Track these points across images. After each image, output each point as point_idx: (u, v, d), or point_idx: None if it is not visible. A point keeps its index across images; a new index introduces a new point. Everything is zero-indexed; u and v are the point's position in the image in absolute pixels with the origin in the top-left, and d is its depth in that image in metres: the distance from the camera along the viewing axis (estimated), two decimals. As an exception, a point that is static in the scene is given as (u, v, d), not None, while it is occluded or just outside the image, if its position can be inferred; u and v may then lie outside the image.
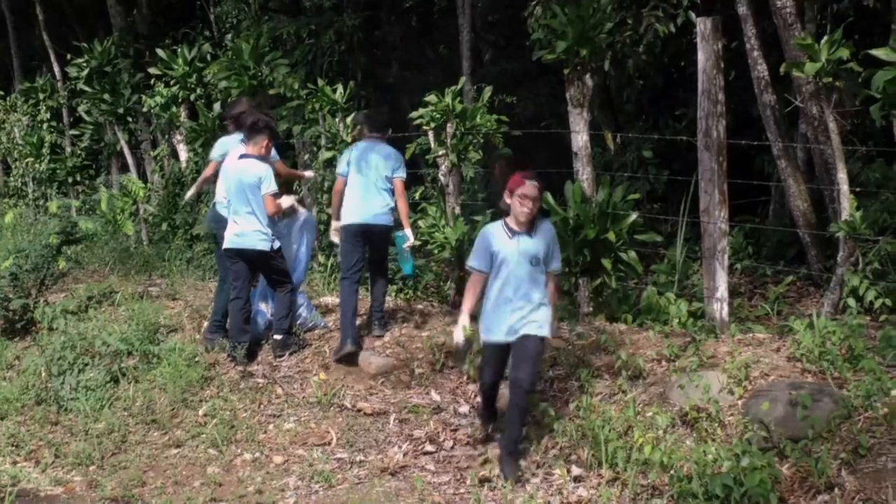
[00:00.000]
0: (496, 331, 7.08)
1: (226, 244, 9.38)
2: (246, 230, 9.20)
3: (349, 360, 9.18)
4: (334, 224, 9.77)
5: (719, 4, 10.73)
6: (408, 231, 9.68)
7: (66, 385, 8.86)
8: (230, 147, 9.84)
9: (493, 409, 7.59)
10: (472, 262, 7.15)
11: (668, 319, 8.64)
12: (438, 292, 11.29)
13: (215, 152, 10.26)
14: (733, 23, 10.89)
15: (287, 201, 9.64)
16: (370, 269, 9.82)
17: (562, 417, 7.34)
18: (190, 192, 11.24)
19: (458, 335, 7.14)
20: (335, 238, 9.83)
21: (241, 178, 9.22)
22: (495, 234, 7.11)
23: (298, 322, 9.80)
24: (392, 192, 9.53)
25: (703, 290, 8.72)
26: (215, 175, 10.02)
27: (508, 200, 7.03)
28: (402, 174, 9.61)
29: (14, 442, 8.11)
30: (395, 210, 9.61)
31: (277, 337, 9.41)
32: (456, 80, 10.97)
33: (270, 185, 9.22)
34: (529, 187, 6.92)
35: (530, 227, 7.04)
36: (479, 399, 7.81)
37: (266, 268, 9.48)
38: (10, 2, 23.11)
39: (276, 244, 9.31)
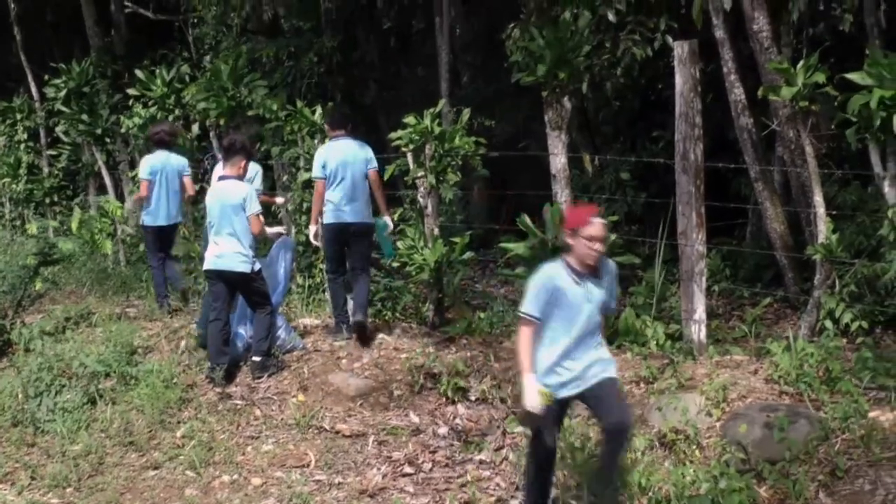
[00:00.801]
0: (564, 385, 6.16)
1: (206, 265, 9.42)
2: (226, 251, 9.21)
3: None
4: (313, 228, 10.16)
5: (696, 28, 10.78)
6: (387, 218, 10.23)
7: (42, 406, 8.81)
8: (156, 164, 11.50)
9: (551, 479, 6.58)
10: (529, 308, 6.12)
11: (646, 341, 8.66)
12: (417, 313, 11.28)
13: (143, 172, 11.64)
14: (710, 47, 10.96)
15: (275, 230, 9.94)
16: (353, 266, 10.14)
17: (540, 439, 7.34)
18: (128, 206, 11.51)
19: (535, 400, 5.96)
20: (317, 241, 10.24)
21: (223, 200, 9.25)
22: (558, 277, 6.12)
23: (277, 343, 9.80)
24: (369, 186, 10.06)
25: (681, 312, 8.75)
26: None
27: (570, 241, 6.12)
28: (375, 165, 10.24)
29: (-10, 464, 8.06)
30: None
31: (256, 359, 9.39)
32: (433, 101, 11.01)
33: (254, 206, 9.27)
34: (597, 227, 6.05)
35: (596, 269, 6.18)
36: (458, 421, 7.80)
37: (246, 289, 9.46)
38: (-13, 22, 23.05)
39: (257, 266, 9.33)
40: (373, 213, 10.35)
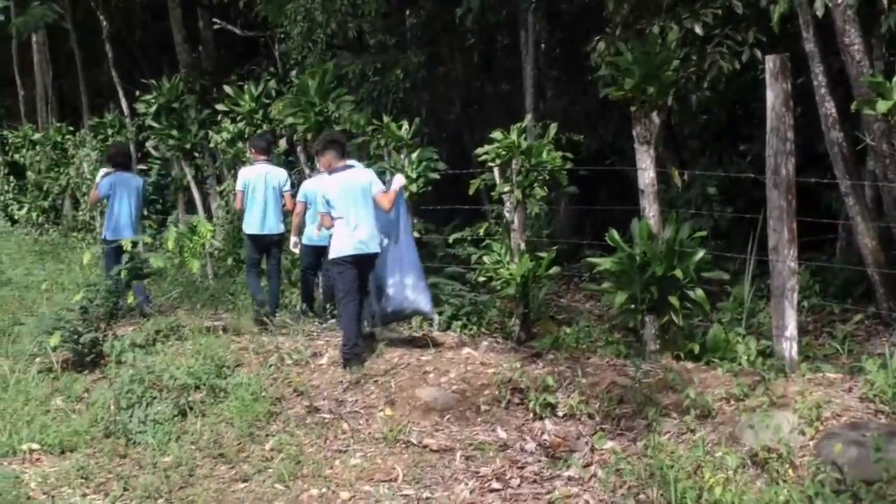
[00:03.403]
0: None
1: (346, 252, 9.90)
2: (365, 236, 9.95)
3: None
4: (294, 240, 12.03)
5: (784, 41, 10.68)
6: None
7: (134, 418, 8.90)
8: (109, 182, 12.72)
9: None
10: None
11: (737, 358, 8.56)
12: (503, 328, 11.28)
13: (103, 190, 12.84)
14: (799, 59, 10.84)
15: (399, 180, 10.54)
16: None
17: (629, 456, 7.29)
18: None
19: None
20: (296, 250, 12.13)
21: (356, 186, 10.00)
22: None
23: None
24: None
25: (772, 329, 8.64)
26: None
27: None
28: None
29: (83, 474, 8.14)
30: None
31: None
32: (518, 116, 11.06)
33: (379, 185, 10.17)
34: None
35: None
36: (546, 437, 7.75)
37: (372, 268, 10.27)
38: (80, 39, 23.53)
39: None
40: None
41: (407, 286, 10.50)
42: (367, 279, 10.23)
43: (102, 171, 13.09)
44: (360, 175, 10.13)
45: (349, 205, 9.90)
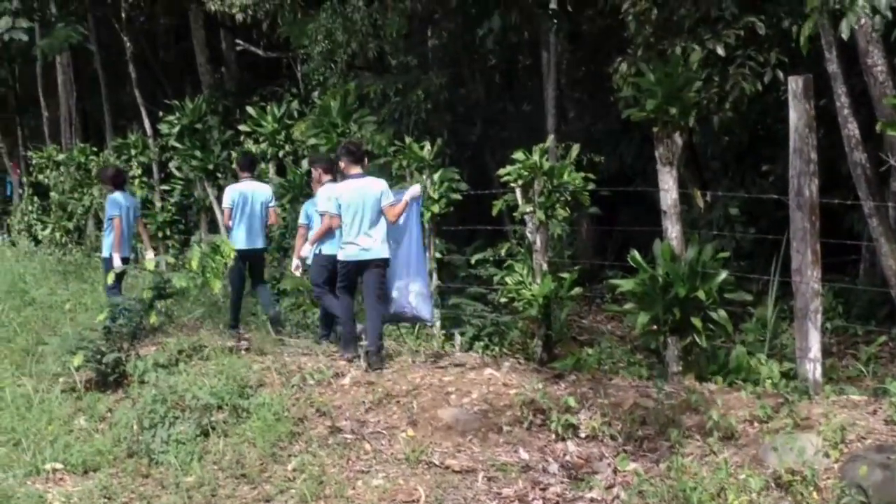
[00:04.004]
0: None
1: (351, 257, 10.43)
2: (373, 245, 10.34)
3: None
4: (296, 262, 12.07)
5: (807, 62, 10.67)
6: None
7: (157, 438, 8.92)
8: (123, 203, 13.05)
9: None
10: None
11: (760, 380, 8.53)
12: (525, 349, 11.26)
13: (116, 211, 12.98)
14: (822, 80, 10.83)
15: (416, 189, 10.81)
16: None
17: (652, 478, 7.27)
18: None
19: None
20: (298, 272, 12.30)
21: (368, 195, 10.34)
22: None
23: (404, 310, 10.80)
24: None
25: (795, 351, 8.61)
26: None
27: None
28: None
29: (106, 494, 8.17)
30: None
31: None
32: (539, 137, 11.08)
33: (390, 196, 10.45)
34: None
35: None
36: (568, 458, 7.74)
37: (384, 274, 10.53)
38: (104, 60, 23.69)
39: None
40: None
41: (411, 292, 10.77)
42: (380, 283, 10.55)
43: (117, 194, 13.24)
44: (373, 184, 10.48)
45: (358, 211, 10.32)
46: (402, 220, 10.60)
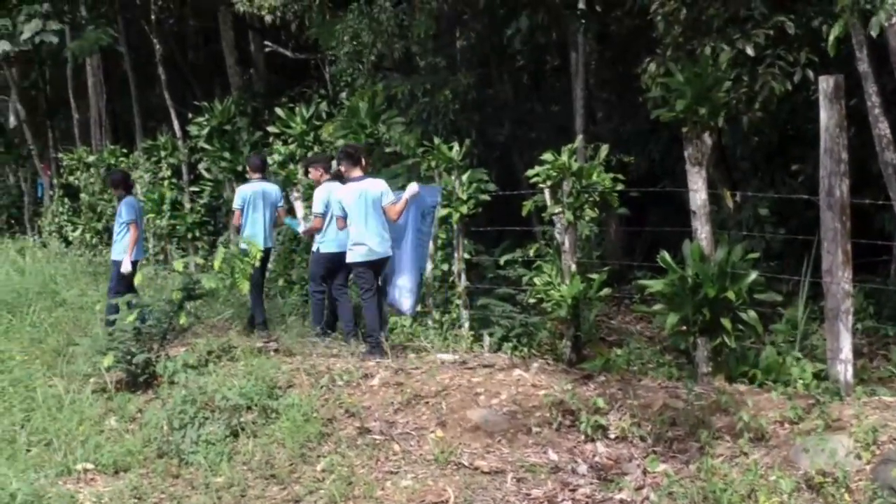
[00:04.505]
0: None
1: (364, 258, 11.00)
2: (377, 241, 10.98)
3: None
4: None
5: (837, 62, 10.59)
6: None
7: (186, 438, 8.97)
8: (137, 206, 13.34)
9: None
10: None
11: (791, 380, 8.49)
12: (553, 350, 11.25)
13: (133, 215, 13.07)
14: (852, 80, 10.76)
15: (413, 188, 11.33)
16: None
17: (682, 479, 7.25)
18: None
19: None
20: None
21: (368, 196, 10.94)
22: None
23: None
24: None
25: (826, 351, 8.57)
26: None
27: None
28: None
29: (137, 494, 8.20)
30: None
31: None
32: (567, 138, 11.07)
33: (391, 196, 11.09)
34: None
35: None
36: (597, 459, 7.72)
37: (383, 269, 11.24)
38: (133, 62, 23.80)
39: None
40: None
41: (396, 285, 11.60)
42: (381, 277, 11.38)
43: (130, 197, 13.41)
44: (373, 185, 11.10)
45: (362, 212, 10.91)
46: (401, 220, 11.24)
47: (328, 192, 11.79)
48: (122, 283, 12.85)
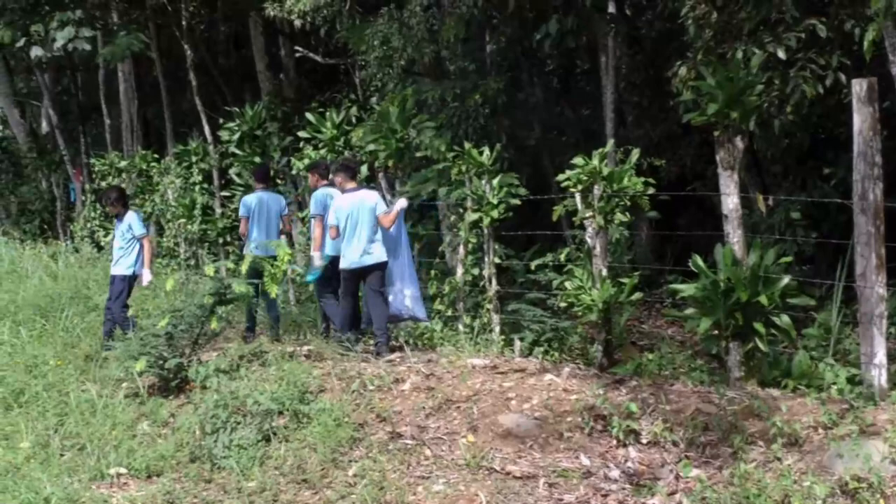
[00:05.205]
0: None
1: (352, 265, 11.68)
2: (372, 249, 11.67)
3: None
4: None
5: (869, 64, 10.53)
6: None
7: (219, 443, 9.00)
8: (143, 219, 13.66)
9: None
10: None
11: (824, 385, 8.45)
12: (584, 354, 11.23)
13: (145, 228, 13.52)
14: (885, 82, 10.69)
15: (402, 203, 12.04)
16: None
17: (715, 484, 7.22)
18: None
19: None
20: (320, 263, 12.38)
21: (364, 206, 11.64)
22: None
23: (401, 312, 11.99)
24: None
25: (860, 356, 8.52)
26: None
27: None
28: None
29: (170, 499, 8.25)
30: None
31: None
32: (597, 142, 11.04)
33: (383, 206, 11.80)
34: None
35: None
36: (629, 464, 7.70)
37: (382, 275, 11.81)
38: (164, 68, 23.91)
39: None
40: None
41: (406, 296, 11.97)
42: (381, 282, 11.87)
43: (136, 213, 13.76)
44: (367, 196, 11.84)
45: (357, 222, 11.63)
46: (393, 229, 11.82)
47: (326, 196, 12.34)
48: (127, 296, 13.14)
